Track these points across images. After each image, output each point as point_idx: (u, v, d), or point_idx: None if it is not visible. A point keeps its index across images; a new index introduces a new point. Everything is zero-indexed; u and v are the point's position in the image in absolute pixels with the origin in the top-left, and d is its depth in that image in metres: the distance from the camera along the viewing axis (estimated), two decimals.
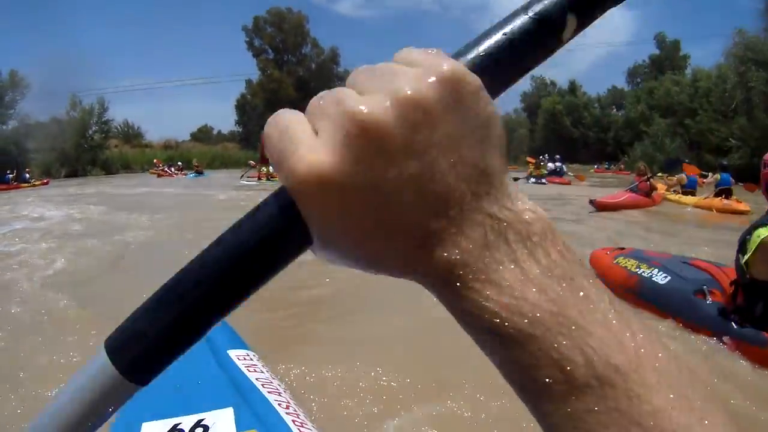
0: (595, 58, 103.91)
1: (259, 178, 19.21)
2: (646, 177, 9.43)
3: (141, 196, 13.70)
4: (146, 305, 0.31)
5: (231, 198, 12.42)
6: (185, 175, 26.53)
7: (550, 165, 19.35)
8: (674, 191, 10.63)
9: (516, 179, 17.82)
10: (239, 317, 2.51)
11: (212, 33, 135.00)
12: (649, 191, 9.33)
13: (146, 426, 1.13)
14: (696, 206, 9.31)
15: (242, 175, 22.02)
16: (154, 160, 31.51)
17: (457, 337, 0.30)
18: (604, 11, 0.37)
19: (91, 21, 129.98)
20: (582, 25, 0.36)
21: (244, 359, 1.45)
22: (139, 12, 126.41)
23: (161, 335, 0.30)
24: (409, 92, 0.23)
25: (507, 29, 0.31)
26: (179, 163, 30.30)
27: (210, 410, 1.16)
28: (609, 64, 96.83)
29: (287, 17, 52.25)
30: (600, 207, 8.38)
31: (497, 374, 0.23)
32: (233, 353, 1.47)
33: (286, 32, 51.83)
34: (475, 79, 0.22)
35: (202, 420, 1.12)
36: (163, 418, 1.14)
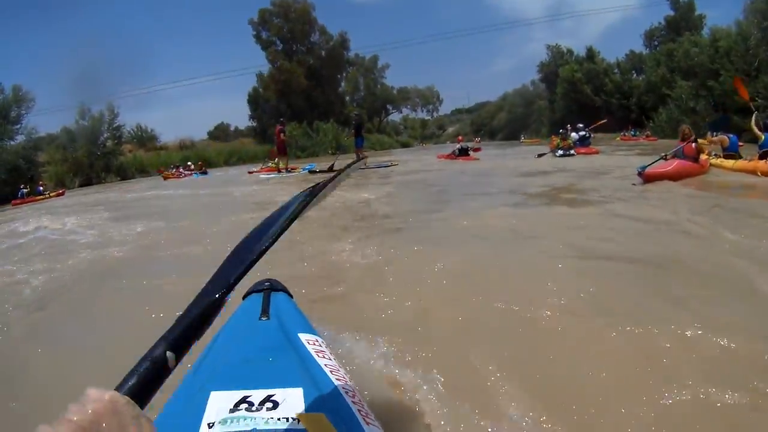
0: (608, 24, 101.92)
1: (279, 171, 18.70)
2: (692, 139, 8.58)
3: (146, 201, 13.22)
4: None
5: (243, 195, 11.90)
6: (191, 174, 26.23)
7: (574, 135, 18.37)
8: (715, 155, 9.87)
9: (541, 155, 17.12)
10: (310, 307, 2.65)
11: (220, 31, 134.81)
12: (697, 156, 8.54)
13: (215, 394, 1.10)
14: (739, 170, 8.59)
15: (260, 168, 21.63)
16: (171, 165, 31.08)
17: None
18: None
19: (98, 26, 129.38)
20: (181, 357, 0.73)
21: (314, 344, 1.42)
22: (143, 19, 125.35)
23: None
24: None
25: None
26: (188, 163, 29.79)
27: (280, 387, 1.14)
28: (623, 29, 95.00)
29: (293, 6, 51.63)
30: (649, 178, 7.41)
31: None
32: (303, 336, 1.44)
33: (293, 22, 51.20)
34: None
35: (272, 396, 1.10)
36: (233, 389, 1.12)
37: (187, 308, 0.83)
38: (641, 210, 5.63)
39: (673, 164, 7.92)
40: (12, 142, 30.57)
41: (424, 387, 2.05)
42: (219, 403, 1.07)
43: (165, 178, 25.57)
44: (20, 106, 31.55)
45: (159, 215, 8.93)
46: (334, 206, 7.44)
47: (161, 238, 6.12)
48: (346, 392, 1.21)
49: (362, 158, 17.01)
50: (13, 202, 22.58)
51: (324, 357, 1.36)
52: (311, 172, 16.82)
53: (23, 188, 24.01)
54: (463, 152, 18.95)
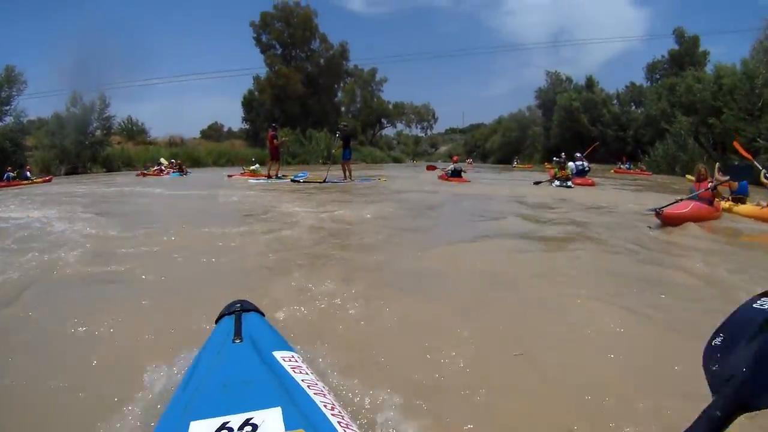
0: (609, 55, 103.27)
1: (268, 177, 17.95)
2: (711, 183, 7.94)
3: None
4: None
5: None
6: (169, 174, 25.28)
7: (571, 164, 17.65)
8: (724, 198, 9.30)
9: (538, 183, 16.48)
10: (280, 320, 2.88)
11: (221, 30, 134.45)
12: (712, 199, 7.93)
13: (194, 425, 1.09)
14: (754, 217, 7.99)
15: (241, 173, 21.06)
16: (161, 159, 30.09)
17: None
18: None
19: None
20: None
21: (290, 360, 1.43)
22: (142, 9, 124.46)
23: None
24: None
25: None
26: (172, 160, 28.57)
27: (258, 409, 1.12)
28: (625, 60, 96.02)
29: (295, 12, 51.43)
30: (668, 220, 6.71)
31: None
32: (278, 354, 1.45)
33: (294, 27, 51.06)
34: None
35: (251, 419, 1.09)
36: (211, 417, 1.10)
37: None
38: (673, 260, 4.94)
39: (690, 206, 7.24)
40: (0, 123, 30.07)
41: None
42: None
43: (143, 175, 24.89)
44: (11, 87, 31.18)
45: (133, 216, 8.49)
46: (312, 227, 6.73)
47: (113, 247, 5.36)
48: (325, 406, 1.21)
49: (349, 172, 16.95)
50: None
51: (301, 372, 1.36)
52: (293, 181, 16.17)
53: (9, 171, 23.35)
54: (456, 174, 18.37)
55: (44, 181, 23.57)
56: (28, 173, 24.49)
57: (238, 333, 1.53)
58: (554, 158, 19.65)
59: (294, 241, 5.69)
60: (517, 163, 44.14)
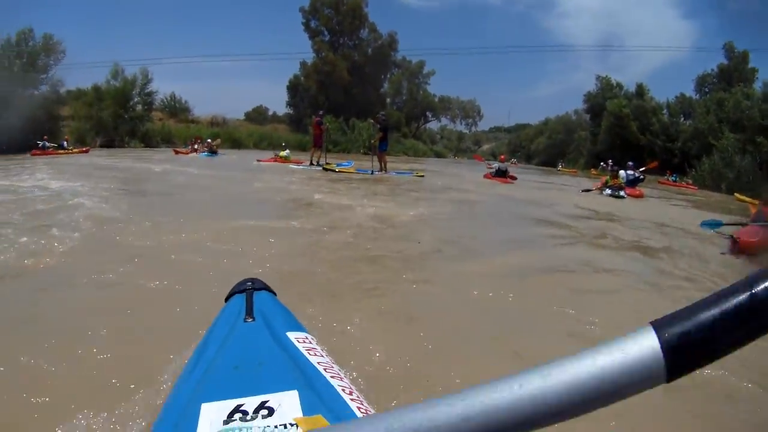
0: (657, 64, 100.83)
1: (311, 164, 17.99)
2: None
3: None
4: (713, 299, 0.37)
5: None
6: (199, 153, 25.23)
7: (622, 173, 17.01)
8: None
9: (587, 191, 16.05)
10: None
11: (271, 13, 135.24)
12: None
13: (206, 406, 1.04)
14: None
15: (272, 158, 21.09)
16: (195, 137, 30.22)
17: None
18: None
19: None
20: None
21: (304, 342, 1.36)
22: None
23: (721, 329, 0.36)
24: None
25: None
26: (209, 140, 28.06)
27: (274, 392, 1.07)
28: (671, 71, 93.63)
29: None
30: (744, 249, 6.07)
31: None
32: (292, 335, 1.37)
33: (343, 14, 51.11)
34: None
35: (266, 402, 1.04)
36: (224, 399, 1.05)
37: None
38: None
39: (761, 233, 6.78)
40: (35, 92, 30.41)
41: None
42: (212, 414, 1.02)
43: (176, 153, 25.37)
44: (48, 56, 31.43)
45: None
46: (348, 228, 6.16)
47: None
48: (343, 390, 1.18)
49: (384, 164, 16.77)
50: (32, 152, 22.58)
51: (316, 355, 1.32)
52: (325, 169, 16.21)
53: (45, 140, 23.93)
54: (501, 173, 18.10)
55: (81, 152, 24.30)
56: (65, 143, 25.21)
57: (249, 312, 1.46)
58: (602, 164, 19.22)
59: (329, 244, 5.29)
60: (562, 167, 43.35)
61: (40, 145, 23.35)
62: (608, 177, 15.94)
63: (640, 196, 15.72)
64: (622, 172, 16.69)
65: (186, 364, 1.31)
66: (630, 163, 18.44)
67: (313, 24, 52.26)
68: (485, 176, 18.50)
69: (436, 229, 6.80)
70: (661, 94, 65.90)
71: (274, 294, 1.68)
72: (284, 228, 6.01)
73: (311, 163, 18.04)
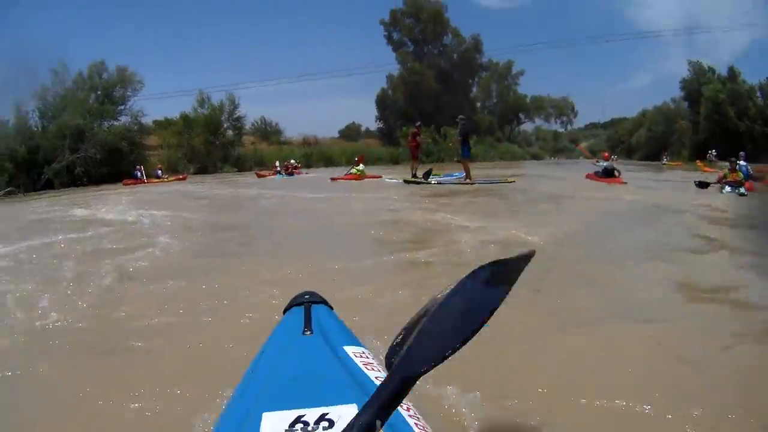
0: (742, 44, 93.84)
1: (414, 177, 17.42)
2: None
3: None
4: None
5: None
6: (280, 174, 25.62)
7: (742, 164, 15.29)
8: None
9: (703, 185, 14.62)
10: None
11: (352, 30, 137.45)
12: None
13: (267, 415, 1.03)
14: None
15: (345, 175, 20.79)
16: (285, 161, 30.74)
17: None
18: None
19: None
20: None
21: (361, 356, 1.34)
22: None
23: None
24: None
25: None
26: (292, 161, 28.59)
27: (333, 405, 1.05)
28: (756, 51, 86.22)
29: (424, 7, 51.36)
30: None
31: None
32: (349, 350, 1.36)
33: (424, 22, 51.11)
34: None
35: (327, 414, 1.02)
36: (286, 409, 1.04)
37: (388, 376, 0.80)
38: None
39: None
40: (115, 123, 31.36)
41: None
42: (273, 424, 1.01)
43: (258, 176, 25.53)
44: (125, 87, 32.29)
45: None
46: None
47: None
48: (401, 405, 1.07)
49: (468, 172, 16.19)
50: (124, 181, 23.46)
51: (373, 369, 1.30)
52: (407, 182, 16.22)
53: (138, 170, 24.86)
54: (609, 173, 17.06)
55: (178, 180, 24.98)
56: (159, 171, 26.21)
57: (308, 325, 1.46)
58: (709, 153, 17.63)
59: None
60: (667, 160, 40.78)
61: (137, 174, 24.22)
62: (726, 171, 14.56)
63: (750, 189, 13.89)
64: (742, 163, 15.19)
65: (245, 374, 1.32)
66: (741, 153, 16.91)
67: (395, 36, 52.60)
68: (587, 176, 17.59)
69: (589, 262, 5.21)
70: (755, 74, 61.05)
71: (331, 308, 1.68)
72: (407, 260, 5.37)
73: (413, 176, 17.66)
